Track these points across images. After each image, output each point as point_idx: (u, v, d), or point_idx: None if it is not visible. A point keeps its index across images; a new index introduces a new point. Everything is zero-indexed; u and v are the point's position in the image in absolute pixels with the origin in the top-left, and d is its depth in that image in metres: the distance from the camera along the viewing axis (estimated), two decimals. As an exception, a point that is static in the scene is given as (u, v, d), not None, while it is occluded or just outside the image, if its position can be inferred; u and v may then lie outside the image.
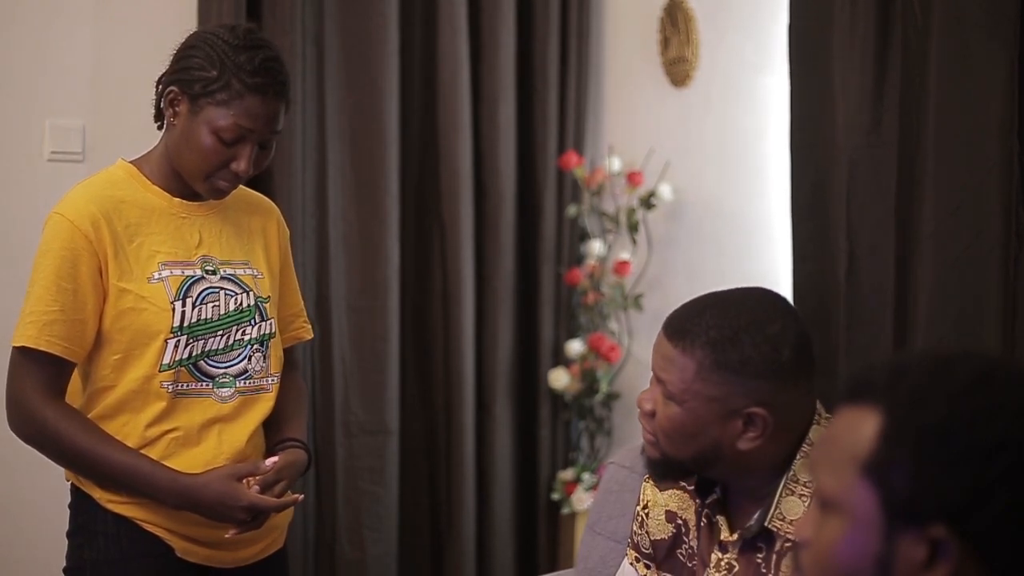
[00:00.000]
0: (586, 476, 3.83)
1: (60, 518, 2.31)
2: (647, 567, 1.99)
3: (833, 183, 2.82)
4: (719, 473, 1.84)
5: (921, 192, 2.56)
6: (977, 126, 2.44)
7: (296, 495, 2.26)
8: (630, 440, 3.68)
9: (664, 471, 1.86)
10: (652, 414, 1.82)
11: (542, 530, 3.96)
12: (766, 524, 1.78)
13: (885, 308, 2.67)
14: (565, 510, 3.85)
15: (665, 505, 1.96)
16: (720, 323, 1.76)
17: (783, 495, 1.78)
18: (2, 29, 3.51)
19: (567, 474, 3.88)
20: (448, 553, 3.87)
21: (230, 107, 2.15)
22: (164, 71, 2.23)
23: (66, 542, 2.28)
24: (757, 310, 1.78)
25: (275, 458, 2.25)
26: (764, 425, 1.75)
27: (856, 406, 1.21)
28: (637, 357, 3.79)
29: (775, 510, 1.78)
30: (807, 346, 1.80)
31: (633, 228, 3.77)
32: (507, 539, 3.92)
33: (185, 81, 2.18)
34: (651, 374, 1.86)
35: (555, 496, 3.89)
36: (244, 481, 2.19)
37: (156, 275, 2.19)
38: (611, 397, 3.84)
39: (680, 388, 1.77)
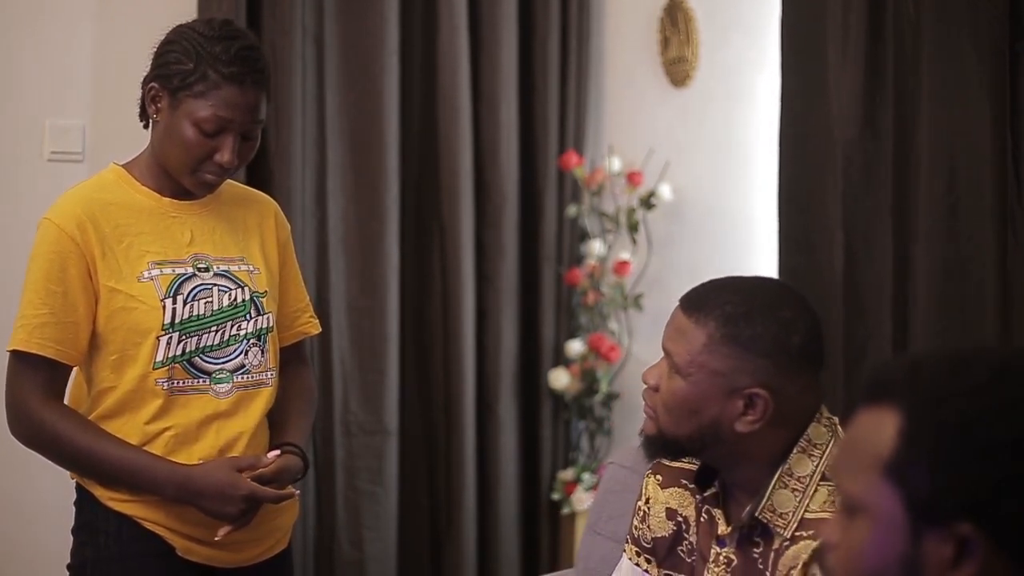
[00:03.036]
0: (586, 476, 3.83)
1: (68, 515, 2.31)
2: (648, 561, 1.99)
3: (828, 177, 2.82)
4: (714, 457, 1.84)
5: (916, 187, 2.57)
6: (970, 120, 2.45)
7: (292, 490, 2.26)
8: (630, 440, 3.67)
9: (659, 448, 1.86)
10: (656, 389, 1.84)
11: (543, 530, 3.96)
12: (756, 515, 1.78)
13: (882, 302, 2.68)
14: (565, 510, 3.85)
15: (665, 503, 1.96)
16: (736, 299, 1.79)
17: (776, 487, 1.78)
18: (2, 29, 3.52)
19: (567, 474, 3.88)
20: (447, 553, 3.87)
21: (208, 98, 2.15)
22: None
23: (71, 539, 2.29)
24: (775, 295, 1.82)
25: (276, 452, 2.25)
26: (764, 408, 1.76)
27: (875, 407, 1.20)
28: (637, 357, 3.79)
29: (766, 502, 1.78)
30: (818, 340, 1.81)
31: (633, 228, 3.77)
32: (507, 539, 3.92)
33: (164, 76, 2.19)
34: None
35: (555, 496, 3.89)
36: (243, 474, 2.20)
37: (146, 274, 2.20)
38: (611, 397, 3.84)
39: (687, 360, 1.78)
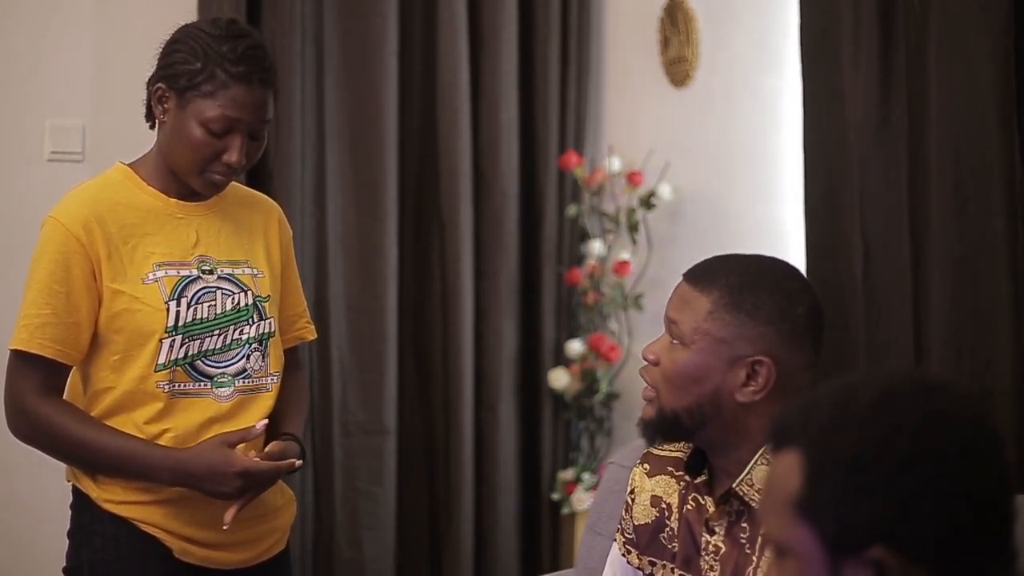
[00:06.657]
0: (586, 476, 3.83)
1: (63, 518, 2.31)
2: (629, 552, 2.00)
3: (845, 181, 2.82)
4: (710, 435, 1.83)
5: (929, 189, 2.57)
6: (977, 120, 2.45)
7: (294, 460, 2.24)
8: (630, 440, 3.67)
9: (657, 429, 1.87)
10: (656, 363, 1.85)
11: (544, 530, 3.96)
12: (733, 487, 1.80)
13: (903, 304, 2.67)
14: (565, 510, 3.85)
15: (651, 491, 1.97)
16: (741, 270, 1.81)
17: (757, 463, 1.79)
18: (2, 29, 3.52)
19: (567, 474, 3.88)
20: (447, 553, 3.87)
21: (216, 98, 2.15)
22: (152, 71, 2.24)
23: (67, 542, 2.28)
24: (779, 269, 1.85)
25: (265, 421, 2.23)
26: (767, 377, 1.77)
27: (780, 452, 1.27)
28: (637, 357, 3.78)
29: (746, 475, 1.80)
30: (819, 315, 1.84)
31: (633, 228, 3.77)
32: (507, 539, 3.91)
33: (171, 76, 2.18)
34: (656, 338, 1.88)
35: (555, 496, 3.89)
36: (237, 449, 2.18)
37: (150, 276, 2.19)
38: (611, 397, 3.84)
39: (691, 328, 1.80)
